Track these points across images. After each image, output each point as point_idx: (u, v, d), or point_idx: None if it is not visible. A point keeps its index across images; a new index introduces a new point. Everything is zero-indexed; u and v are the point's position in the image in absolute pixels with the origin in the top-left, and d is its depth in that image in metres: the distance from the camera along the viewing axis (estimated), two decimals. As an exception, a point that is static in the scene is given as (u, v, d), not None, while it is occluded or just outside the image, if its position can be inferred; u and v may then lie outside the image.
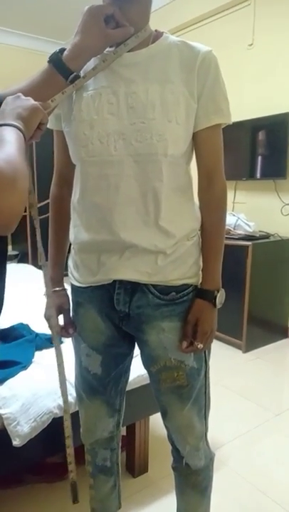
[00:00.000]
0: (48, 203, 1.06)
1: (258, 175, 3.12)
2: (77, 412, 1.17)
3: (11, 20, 4.47)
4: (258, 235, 2.90)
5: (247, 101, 3.11)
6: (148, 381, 1.44)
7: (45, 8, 4.18)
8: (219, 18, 3.38)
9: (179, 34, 3.57)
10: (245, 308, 2.77)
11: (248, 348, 2.85)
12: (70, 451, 1.08)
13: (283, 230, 3.02)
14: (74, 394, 1.29)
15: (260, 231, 2.97)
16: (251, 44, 3.16)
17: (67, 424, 1.05)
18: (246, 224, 2.89)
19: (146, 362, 0.98)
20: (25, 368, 1.37)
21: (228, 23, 3.31)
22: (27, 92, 0.82)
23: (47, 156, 1.68)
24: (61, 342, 1.55)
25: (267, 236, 2.97)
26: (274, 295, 2.99)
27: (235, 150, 3.10)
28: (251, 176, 3.15)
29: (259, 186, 3.19)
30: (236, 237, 2.86)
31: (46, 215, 1.10)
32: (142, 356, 1.00)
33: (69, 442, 1.07)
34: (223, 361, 2.67)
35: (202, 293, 0.93)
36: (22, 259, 4.45)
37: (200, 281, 0.95)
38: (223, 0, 3.23)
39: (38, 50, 4.92)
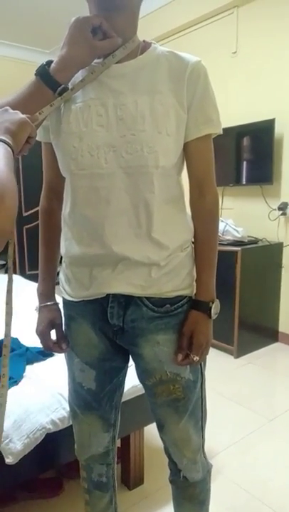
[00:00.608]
0: (36, 211, 1.04)
1: (245, 180, 3.15)
2: (71, 425, 1.14)
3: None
4: (246, 241, 2.91)
5: (232, 108, 3.14)
6: (142, 392, 1.43)
7: (33, 18, 4.18)
8: (203, 26, 3.42)
9: (163, 42, 3.60)
10: (236, 314, 2.78)
11: (239, 353, 2.86)
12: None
13: (271, 234, 3.04)
14: (67, 408, 1.27)
15: (248, 236, 2.99)
16: (235, 52, 3.20)
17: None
18: (235, 229, 2.91)
19: (142, 375, 0.97)
20: (16, 383, 1.34)
21: (212, 31, 3.35)
22: (14, 105, 0.81)
23: (34, 165, 1.66)
24: (51, 355, 1.53)
25: (255, 241, 2.99)
26: (264, 299, 3.01)
27: (222, 156, 3.12)
28: (238, 181, 3.18)
29: (246, 192, 3.22)
30: (225, 242, 2.88)
31: (33, 224, 1.07)
32: (136, 370, 0.99)
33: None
34: (216, 367, 2.67)
35: (197, 304, 0.92)
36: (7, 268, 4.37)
37: (194, 292, 0.94)
38: (207, 8, 3.27)
39: (26, 59, 4.91)
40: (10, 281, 0.78)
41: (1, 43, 4.71)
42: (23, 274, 4.35)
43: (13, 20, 4.19)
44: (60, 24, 4.24)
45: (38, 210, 1.04)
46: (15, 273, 3.86)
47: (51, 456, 1.33)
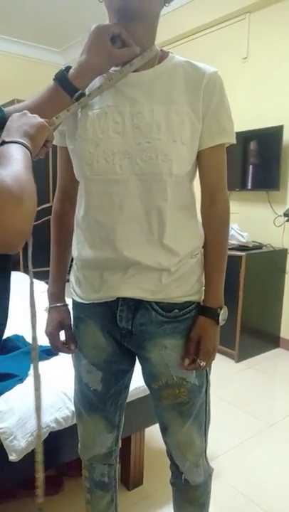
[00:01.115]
0: (42, 209, 1.05)
1: (251, 186, 3.16)
2: (74, 424, 1.16)
3: (9, 28, 4.48)
4: (251, 246, 2.93)
5: (240, 113, 3.14)
6: (144, 394, 1.44)
7: (45, 18, 4.21)
8: (214, 31, 3.43)
9: (173, 46, 3.61)
10: (238, 318, 2.80)
11: (240, 357, 2.87)
12: (39, 475, 0.96)
13: (276, 240, 3.05)
14: (71, 407, 1.29)
15: (253, 241, 3.00)
16: (246, 57, 3.21)
17: (39, 449, 0.94)
18: (240, 234, 2.92)
19: (148, 379, 0.98)
20: (21, 381, 1.35)
21: (223, 35, 3.36)
22: (32, 108, 0.83)
23: (39, 164, 1.66)
24: (56, 354, 1.54)
25: (260, 246, 3.01)
26: (266, 305, 3.02)
27: (229, 161, 3.11)
28: (244, 186, 3.18)
29: (252, 197, 3.23)
30: (230, 247, 2.88)
31: (38, 222, 1.07)
32: (143, 373, 1.00)
33: (39, 467, 0.95)
34: (216, 371, 2.65)
35: (205, 310, 0.93)
36: (13, 266, 4.40)
37: (202, 298, 0.96)
38: (218, 13, 3.28)
39: (37, 58, 4.95)
40: (32, 283, 0.80)
41: (12, 42, 4.74)
42: (27, 271, 4.36)
43: (26, 19, 4.22)
44: (71, 24, 4.29)
45: (43, 208, 1.05)
46: (19, 270, 3.88)
47: (53, 455, 1.35)
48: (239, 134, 3.29)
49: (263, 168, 3.07)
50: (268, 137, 2.98)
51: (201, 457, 1.03)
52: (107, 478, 1.15)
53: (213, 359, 0.96)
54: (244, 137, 3.07)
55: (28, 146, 0.70)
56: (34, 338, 0.86)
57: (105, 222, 0.88)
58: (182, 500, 1.10)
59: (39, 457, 0.95)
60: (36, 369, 0.88)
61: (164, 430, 1.02)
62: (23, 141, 0.69)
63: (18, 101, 4.06)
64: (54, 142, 0.97)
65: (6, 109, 0.86)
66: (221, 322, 0.94)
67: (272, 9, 3.01)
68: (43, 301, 1.28)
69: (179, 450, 1.01)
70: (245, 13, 3.16)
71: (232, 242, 2.94)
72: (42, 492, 0.99)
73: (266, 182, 3.04)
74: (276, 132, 2.90)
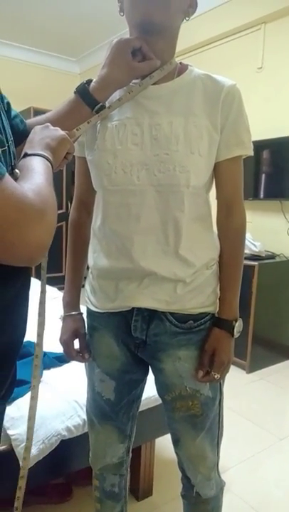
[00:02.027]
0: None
1: (265, 195, 3.15)
2: (85, 433, 1.16)
3: (26, 37, 4.57)
4: (264, 255, 2.91)
5: (254, 122, 3.12)
6: (155, 404, 1.43)
7: (60, 27, 4.29)
8: (229, 41, 3.44)
9: (188, 56, 3.63)
10: (250, 328, 2.77)
11: (251, 368, 2.84)
12: (20, 493, 0.94)
13: (289, 250, 3.03)
14: (83, 416, 1.29)
15: (265, 251, 2.98)
16: (261, 67, 3.21)
17: (25, 464, 0.93)
18: (252, 244, 2.91)
19: (161, 390, 0.98)
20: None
21: (238, 46, 3.37)
22: (54, 121, 0.84)
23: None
24: (68, 361, 1.55)
25: (273, 256, 2.98)
26: (279, 315, 2.99)
27: (243, 170, 3.13)
28: (256, 195, 3.17)
29: (265, 206, 3.21)
30: (242, 256, 2.87)
31: None
32: (156, 383, 1.00)
33: (22, 483, 0.93)
34: (228, 382, 2.61)
35: (220, 323, 0.93)
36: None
37: (217, 309, 0.95)
38: (234, 24, 3.30)
39: (53, 66, 5.05)
40: (43, 292, 0.80)
41: (29, 50, 4.83)
42: (38, 277, 4.39)
43: (42, 28, 4.30)
44: (87, 33, 4.36)
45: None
46: (32, 276, 3.90)
47: (63, 463, 1.34)
48: (253, 143, 3.30)
49: (276, 177, 3.06)
50: (282, 147, 2.97)
51: (213, 470, 1.02)
52: (118, 489, 1.15)
53: (228, 372, 0.95)
54: (257, 146, 3.05)
55: (49, 159, 0.71)
56: (39, 345, 0.86)
57: (122, 232, 0.89)
58: (193, 514, 1.09)
59: (23, 473, 0.92)
60: (36, 377, 0.87)
61: (176, 442, 1.01)
62: (45, 154, 0.70)
63: (35, 109, 4.12)
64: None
65: (27, 121, 0.87)
66: (236, 334, 0.93)
67: (287, 20, 3.01)
68: (54, 308, 1.28)
69: (190, 463, 1.00)
70: (261, 24, 3.17)
71: (244, 251, 2.92)
72: (20, 505, 0.95)
73: (280, 191, 3.02)
74: (290, 142, 2.89)
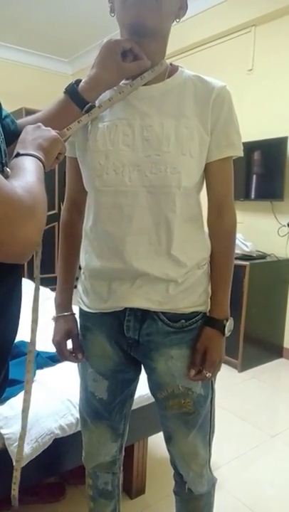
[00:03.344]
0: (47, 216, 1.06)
1: (255, 196, 3.18)
2: (78, 431, 1.16)
3: (17, 38, 4.55)
4: (255, 255, 2.94)
5: (245, 124, 3.15)
6: (147, 402, 1.44)
7: (53, 28, 4.28)
8: (220, 43, 3.47)
9: (179, 58, 3.65)
10: (242, 328, 2.80)
11: (243, 367, 2.86)
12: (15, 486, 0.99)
13: (280, 250, 3.06)
14: (76, 414, 1.29)
15: (257, 251, 3.01)
16: (251, 69, 3.24)
17: (18, 466, 0.97)
18: (244, 244, 2.93)
19: (154, 388, 0.99)
20: (26, 387, 1.36)
21: (229, 48, 3.40)
22: (44, 120, 0.85)
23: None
24: (60, 361, 1.55)
25: (264, 256, 3.02)
26: (270, 314, 3.02)
27: (234, 171, 3.15)
28: (248, 196, 3.20)
29: (256, 207, 3.24)
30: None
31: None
32: (149, 382, 1.01)
33: (17, 475, 0.99)
34: (220, 380, 2.63)
35: (211, 322, 0.94)
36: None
37: (208, 308, 0.97)
38: (224, 26, 3.32)
39: (45, 67, 5.03)
40: (37, 289, 0.81)
41: (21, 51, 4.82)
42: (30, 277, 4.38)
43: (34, 29, 4.29)
44: (79, 34, 4.35)
45: (49, 215, 1.06)
46: (24, 276, 3.89)
47: (57, 462, 1.35)
48: (243, 145, 3.26)
49: (267, 178, 3.10)
50: (273, 148, 3.01)
51: (205, 467, 1.03)
52: (111, 487, 1.15)
53: (219, 370, 0.96)
54: (248, 148, 3.09)
55: (41, 159, 0.71)
56: (32, 342, 0.86)
57: (114, 233, 0.89)
58: (185, 510, 1.10)
59: (18, 466, 0.96)
60: (29, 373, 0.88)
61: (168, 439, 1.02)
62: (37, 155, 0.71)
63: (26, 109, 4.10)
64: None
65: (18, 121, 0.88)
66: (227, 333, 0.95)
67: (277, 23, 3.05)
68: (46, 308, 1.28)
69: (183, 460, 1.02)
70: (251, 26, 3.20)
71: (236, 251, 2.94)
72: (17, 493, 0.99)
73: (270, 192, 3.06)
74: (280, 143, 2.93)
